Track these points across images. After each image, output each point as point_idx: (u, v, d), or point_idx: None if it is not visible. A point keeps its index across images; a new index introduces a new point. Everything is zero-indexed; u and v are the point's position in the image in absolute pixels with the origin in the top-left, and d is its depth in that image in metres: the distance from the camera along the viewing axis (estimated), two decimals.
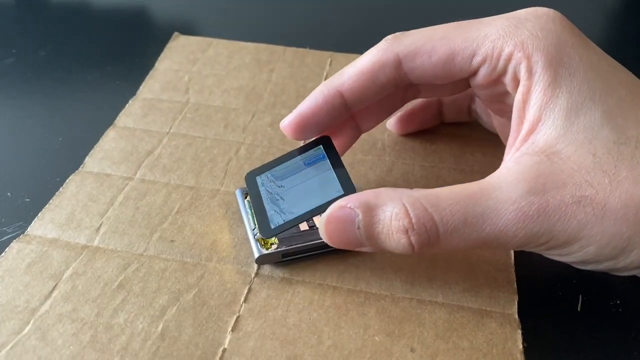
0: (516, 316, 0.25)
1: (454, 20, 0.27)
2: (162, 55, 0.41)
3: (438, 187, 0.24)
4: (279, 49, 0.42)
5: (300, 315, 0.25)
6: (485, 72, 0.26)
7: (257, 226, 0.27)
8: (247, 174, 0.29)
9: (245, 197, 0.29)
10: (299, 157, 0.29)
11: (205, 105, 0.37)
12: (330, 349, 0.24)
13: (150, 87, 0.38)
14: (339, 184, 0.26)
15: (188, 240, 0.28)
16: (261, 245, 0.27)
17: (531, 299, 0.26)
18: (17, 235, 0.28)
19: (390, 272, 0.27)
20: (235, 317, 0.25)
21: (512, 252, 0.28)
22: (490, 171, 0.25)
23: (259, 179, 0.28)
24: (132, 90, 0.38)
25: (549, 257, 0.24)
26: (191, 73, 0.39)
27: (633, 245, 0.22)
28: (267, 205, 0.27)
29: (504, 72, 0.25)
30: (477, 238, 0.22)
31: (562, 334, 0.25)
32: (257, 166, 0.29)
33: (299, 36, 0.43)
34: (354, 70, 0.27)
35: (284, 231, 0.26)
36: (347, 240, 0.24)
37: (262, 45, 0.42)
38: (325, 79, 0.40)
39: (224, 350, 0.24)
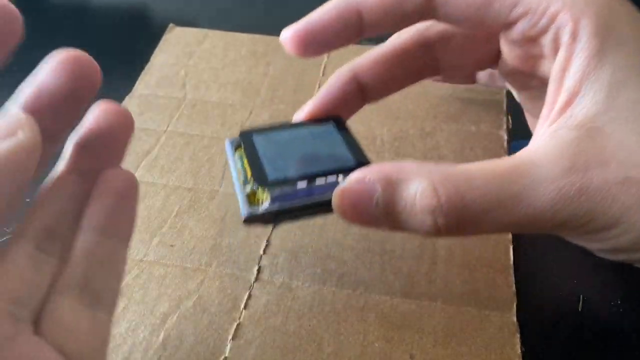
0: (514, 320, 0.25)
1: None
2: (158, 48, 0.40)
3: None
4: (275, 39, 0.41)
5: (300, 322, 0.25)
6: (524, 27, 0.23)
7: (250, 177, 0.23)
8: (242, 131, 0.24)
9: (237, 149, 0.25)
10: (305, 128, 0.25)
11: (202, 101, 0.36)
12: (330, 357, 0.24)
13: (147, 82, 0.37)
14: (350, 154, 0.23)
15: (188, 244, 0.28)
16: (251, 203, 0.23)
17: (531, 298, 0.26)
18: None
19: (390, 275, 0.27)
20: (235, 324, 0.25)
21: (511, 253, 0.27)
22: None
23: (256, 138, 0.24)
24: (128, 86, 0.37)
25: (577, 243, 0.22)
26: (187, 67, 0.39)
27: None
28: (264, 160, 0.23)
29: (544, 30, 0.23)
30: (511, 221, 0.20)
31: (562, 334, 0.25)
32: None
33: None
34: None
35: (282, 184, 0.22)
36: (362, 217, 0.22)
37: (258, 37, 0.41)
38: (323, 70, 0.39)
39: (225, 359, 0.24)
